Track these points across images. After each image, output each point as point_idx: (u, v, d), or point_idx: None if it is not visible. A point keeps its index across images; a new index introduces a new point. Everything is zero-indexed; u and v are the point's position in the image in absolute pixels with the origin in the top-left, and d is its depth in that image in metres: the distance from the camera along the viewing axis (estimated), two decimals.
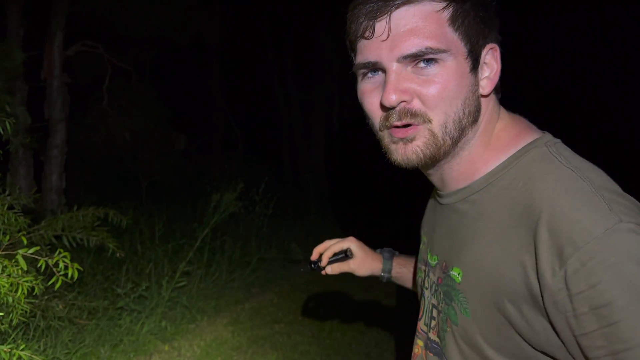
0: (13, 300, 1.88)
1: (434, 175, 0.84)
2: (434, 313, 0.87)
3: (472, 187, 0.79)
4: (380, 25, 0.71)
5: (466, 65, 0.72)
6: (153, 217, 5.26)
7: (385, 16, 0.70)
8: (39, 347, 2.81)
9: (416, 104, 0.73)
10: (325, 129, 10.68)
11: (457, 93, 0.72)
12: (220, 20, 9.64)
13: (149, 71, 8.96)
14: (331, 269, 1.17)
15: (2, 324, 2.07)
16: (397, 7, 0.70)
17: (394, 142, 0.76)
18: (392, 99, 0.71)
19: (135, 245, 4.47)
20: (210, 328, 3.75)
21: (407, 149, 0.75)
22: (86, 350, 3.03)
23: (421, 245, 0.99)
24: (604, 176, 0.70)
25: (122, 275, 3.85)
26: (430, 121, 0.73)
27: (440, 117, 0.72)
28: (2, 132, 2.08)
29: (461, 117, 0.73)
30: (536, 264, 0.66)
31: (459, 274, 0.79)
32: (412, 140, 0.74)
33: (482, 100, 0.77)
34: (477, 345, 0.76)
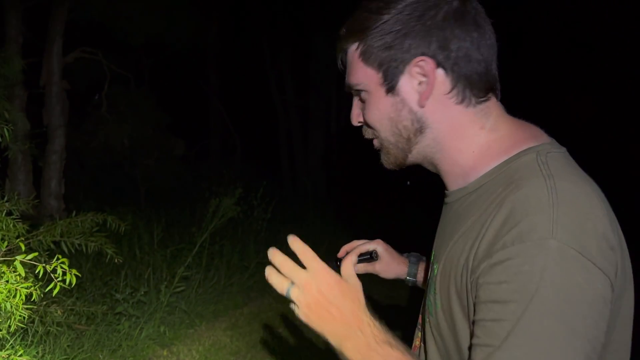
0: (11, 307, 1.88)
1: (440, 175, 0.91)
2: None
3: (467, 188, 0.83)
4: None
5: (381, 90, 0.83)
6: (152, 222, 5.26)
7: (341, 54, 0.89)
8: (38, 353, 2.81)
9: (367, 125, 0.90)
10: (323, 134, 10.71)
11: (381, 115, 0.85)
12: (218, 26, 9.68)
13: (148, 77, 8.99)
14: (356, 269, 1.18)
15: (1, 330, 2.07)
16: (342, 53, 0.88)
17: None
18: (352, 122, 0.92)
19: (134, 250, 4.48)
20: (209, 333, 3.75)
21: (381, 157, 0.92)
22: (85, 355, 3.03)
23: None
24: (582, 192, 0.69)
25: (120, 281, 3.85)
26: (378, 137, 0.89)
27: (381, 134, 0.87)
28: (0, 139, 2.09)
29: (396, 132, 0.85)
30: (476, 251, 0.71)
31: (437, 267, 0.84)
32: (379, 150, 0.91)
33: (424, 109, 0.82)
34: (444, 336, 0.81)
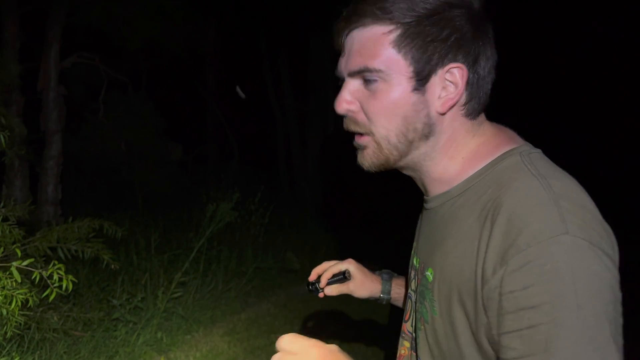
0: (7, 313, 1.87)
1: (417, 181, 0.89)
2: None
3: (451, 193, 0.83)
4: (341, 43, 0.82)
5: (408, 85, 0.77)
6: (149, 228, 5.25)
7: (343, 35, 0.81)
8: (34, 359, 2.79)
9: (360, 116, 0.82)
10: (321, 138, 10.72)
11: (395, 110, 0.78)
12: (216, 31, 9.70)
13: (145, 82, 8.99)
14: (330, 291, 1.17)
15: None
16: (352, 30, 0.79)
17: (355, 148, 0.86)
18: (338, 109, 0.82)
19: (131, 255, 4.46)
20: (207, 339, 3.74)
21: (361, 156, 0.85)
22: None
23: (412, 250, 1.03)
24: (571, 187, 0.71)
25: (117, 286, 3.84)
26: (373, 133, 0.81)
27: (381, 131, 0.80)
28: None
29: (404, 132, 0.79)
30: (484, 259, 0.69)
31: (431, 273, 0.83)
32: (363, 148, 0.84)
33: (440, 117, 0.80)
34: (441, 343, 0.80)
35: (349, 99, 0.81)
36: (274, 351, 0.75)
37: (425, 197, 0.90)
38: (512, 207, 0.69)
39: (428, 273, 0.84)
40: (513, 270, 0.65)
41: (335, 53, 0.88)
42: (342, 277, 1.17)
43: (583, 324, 0.61)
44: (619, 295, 0.66)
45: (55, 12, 5.16)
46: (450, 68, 0.76)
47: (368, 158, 0.83)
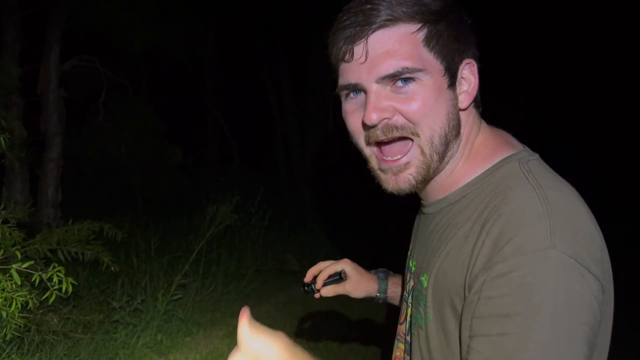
0: (7, 315, 1.88)
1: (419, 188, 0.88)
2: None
3: (449, 199, 0.82)
4: (359, 49, 0.75)
5: (444, 81, 0.76)
6: (149, 230, 5.25)
7: (362, 40, 0.74)
8: None
9: (399, 119, 0.76)
10: (321, 141, 10.72)
11: (438, 108, 0.76)
12: (215, 34, 9.72)
13: (145, 85, 9.00)
14: (326, 292, 1.16)
15: None
16: (374, 31, 0.74)
17: (383, 171, 0.80)
18: (372, 117, 0.75)
19: (131, 258, 4.46)
20: (206, 341, 3.73)
21: (398, 179, 0.79)
22: None
23: (409, 251, 1.03)
24: (568, 199, 0.70)
25: (117, 289, 3.84)
26: (417, 135, 0.76)
27: (427, 132, 0.76)
28: None
29: (446, 131, 0.77)
30: (474, 265, 0.69)
31: (425, 279, 0.82)
32: (402, 169, 0.78)
33: (462, 113, 0.81)
34: (432, 349, 0.79)
35: (383, 105, 0.75)
36: None
37: (422, 201, 0.89)
38: (506, 217, 0.68)
39: (423, 278, 0.84)
40: (495, 277, 0.65)
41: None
42: (339, 277, 1.16)
43: (553, 341, 0.60)
44: (598, 317, 0.64)
45: (55, 15, 5.17)
46: (466, 64, 0.79)
47: (410, 178, 0.78)
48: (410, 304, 0.91)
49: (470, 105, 0.81)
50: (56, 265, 1.91)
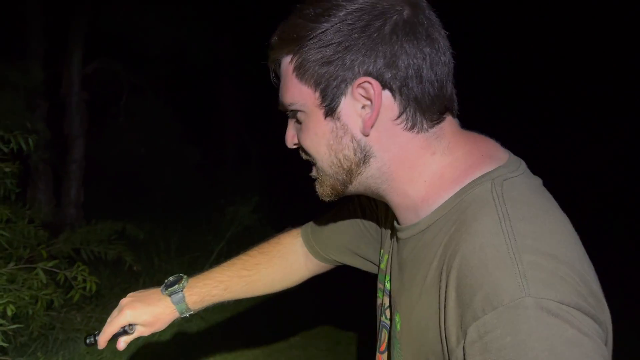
0: (33, 312, 1.91)
1: (388, 205, 0.81)
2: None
3: (419, 226, 0.74)
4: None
5: (320, 112, 0.71)
6: (169, 230, 5.31)
7: (273, 66, 0.77)
8: (58, 359, 2.84)
9: (302, 148, 0.80)
10: None
11: (318, 140, 0.73)
12: (233, 36, 9.78)
13: (165, 87, 9.10)
14: (120, 345, 1.09)
15: (22, 336, 2.11)
16: (273, 66, 0.76)
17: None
18: (287, 143, 0.81)
19: (151, 258, 4.51)
20: (226, 340, 3.76)
21: (315, 186, 0.81)
22: None
23: (382, 258, 0.93)
24: (544, 230, 0.60)
25: (139, 288, 3.86)
26: (315, 160, 0.77)
27: (318, 162, 0.76)
28: (24, 148, 2.14)
29: (335, 162, 0.73)
30: (445, 322, 0.61)
31: (399, 321, 0.77)
32: (314, 179, 0.81)
33: (370, 138, 0.71)
34: None
35: (291, 134, 0.80)
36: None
37: (397, 225, 0.80)
38: (466, 260, 0.59)
39: (397, 318, 0.77)
40: (472, 341, 0.56)
41: None
42: (124, 332, 1.07)
43: None
44: (605, 356, 0.54)
45: (77, 21, 5.27)
46: (359, 84, 0.68)
47: (319, 190, 0.80)
48: (390, 337, 0.83)
49: (372, 128, 0.70)
50: (80, 264, 1.94)
